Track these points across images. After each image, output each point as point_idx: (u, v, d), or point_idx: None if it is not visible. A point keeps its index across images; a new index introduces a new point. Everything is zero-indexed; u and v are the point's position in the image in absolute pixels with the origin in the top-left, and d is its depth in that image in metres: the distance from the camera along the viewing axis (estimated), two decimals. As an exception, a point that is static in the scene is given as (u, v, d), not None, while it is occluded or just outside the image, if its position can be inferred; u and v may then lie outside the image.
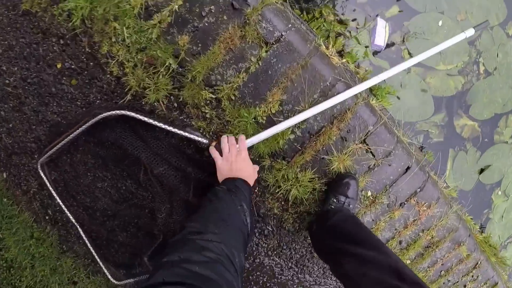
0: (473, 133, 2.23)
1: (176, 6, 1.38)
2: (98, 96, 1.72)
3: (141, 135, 1.47)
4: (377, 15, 1.66)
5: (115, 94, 1.66)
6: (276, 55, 1.39)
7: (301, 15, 1.52)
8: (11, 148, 2.05)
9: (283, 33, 1.37)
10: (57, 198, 1.71)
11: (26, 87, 1.98)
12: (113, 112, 1.38)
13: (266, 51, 1.37)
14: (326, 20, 1.52)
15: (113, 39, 1.52)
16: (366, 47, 1.73)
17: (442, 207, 1.82)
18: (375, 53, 1.72)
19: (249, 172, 1.25)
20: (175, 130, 1.37)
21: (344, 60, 1.43)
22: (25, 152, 2.02)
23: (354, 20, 1.64)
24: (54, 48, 1.81)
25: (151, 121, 1.35)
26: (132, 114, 1.36)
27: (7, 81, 2.03)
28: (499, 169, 2.39)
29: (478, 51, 1.99)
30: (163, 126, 1.35)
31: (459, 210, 1.95)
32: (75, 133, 1.49)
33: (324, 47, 1.41)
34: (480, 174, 2.38)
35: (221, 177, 1.23)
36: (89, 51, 1.63)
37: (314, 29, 1.51)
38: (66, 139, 1.54)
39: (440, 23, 1.83)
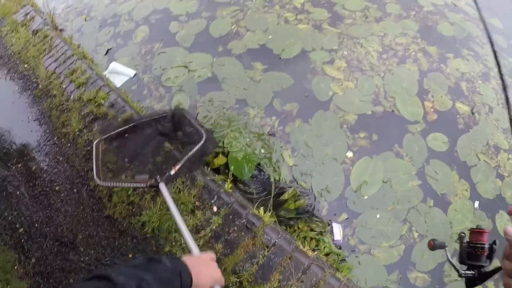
0: (425, 282, 2.96)
1: (214, 227, 2.41)
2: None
3: None
4: (330, 221, 2.70)
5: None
6: (274, 253, 2.36)
7: (286, 229, 2.56)
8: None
9: (276, 240, 2.38)
10: None
11: (99, 267, 2.81)
12: None
13: (268, 251, 2.35)
14: (302, 230, 2.56)
15: (173, 243, 2.50)
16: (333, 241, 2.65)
17: None
18: (336, 245, 2.68)
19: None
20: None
21: (315, 253, 2.41)
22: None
23: (320, 225, 2.64)
24: (128, 243, 2.75)
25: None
26: None
27: (82, 259, 2.86)
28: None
29: (410, 223, 2.94)
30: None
31: None
32: None
33: (301, 246, 2.41)
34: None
35: None
36: (155, 249, 2.59)
37: (295, 237, 2.52)
38: None
39: (378, 215, 2.86)
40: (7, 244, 2.92)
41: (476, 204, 3.02)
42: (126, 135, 3.02)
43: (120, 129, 2.92)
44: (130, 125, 2.96)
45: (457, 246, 1.19)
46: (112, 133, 2.92)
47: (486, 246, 1.01)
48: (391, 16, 4.18)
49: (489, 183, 3.13)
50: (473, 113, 3.51)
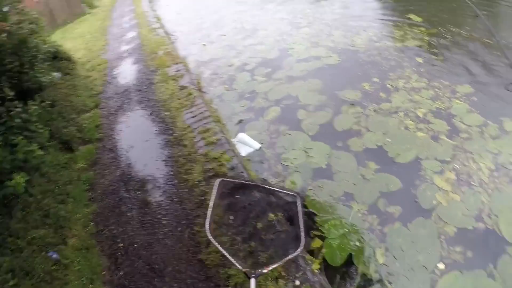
0: None
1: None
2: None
3: None
4: None
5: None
6: None
7: None
8: None
9: None
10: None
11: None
12: None
13: None
14: None
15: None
16: None
17: None
18: None
19: None
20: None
21: None
22: None
23: None
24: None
25: None
26: None
27: (164, 288, 2.91)
28: None
29: None
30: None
31: None
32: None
33: None
34: None
35: None
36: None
37: None
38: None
39: None
40: (104, 251, 3.29)
41: None
42: (239, 195, 3.29)
43: (241, 181, 3.25)
44: (251, 182, 3.27)
45: None
46: (233, 180, 3.27)
47: None
48: (509, 135, 4.12)
49: None
50: None
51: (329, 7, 8.46)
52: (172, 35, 7.53)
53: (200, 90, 5.22)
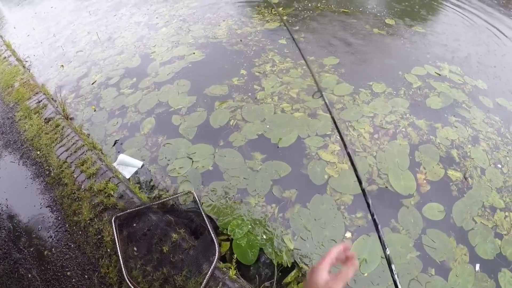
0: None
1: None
2: None
3: None
4: None
5: None
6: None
7: None
8: None
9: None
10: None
11: None
12: None
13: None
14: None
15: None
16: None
17: None
18: None
19: None
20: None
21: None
22: None
23: None
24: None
25: None
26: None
27: None
28: None
29: None
30: None
31: None
32: None
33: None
34: None
35: None
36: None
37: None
38: None
39: None
40: None
41: (477, 267, 3.11)
42: (136, 224, 3.37)
43: (134, 209, 3.29)
44: (143, 206, 3.35)
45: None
46: (127, 211, 3.31)
47: None
48: (380, 96, 4.71)
49: (488, 244, 3.23)
50: (465, 178, 3.72)
51: (183, 2, 8.39)
52: (26, 61, 6.72)
53: (67, 118, 4.87)
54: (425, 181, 3.67)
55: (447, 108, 4.62)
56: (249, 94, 4.87)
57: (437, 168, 3.81)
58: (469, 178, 3.73)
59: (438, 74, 5.35)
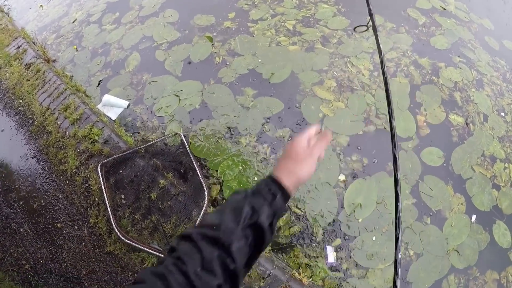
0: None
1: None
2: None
3: None
4: (326, 245, 2.73)
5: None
6: (269, 283, 2.41)
7: (282, 256, 2.59)
8: None
9: (271, 271, 2.42)
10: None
11: (103, 301, 2.88)
12: None
13: (263, 282, 2.40)
14: (297, 257, 2.58)
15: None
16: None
17: None
18: (331, 268, 2.70)
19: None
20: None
21: (310, 279, 2.45)
22: None
23: (316, 250, 2.65)
24: (130, 278, 2.81)
25: None
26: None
27: (86, 293, 2.93)
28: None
29: (406, 243, 2.85)
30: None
31: None
32: None
33: (297, 273, 2.45)
34: None
35: None
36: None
37: (290, 263, 2.56)
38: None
39: (374, 238, 2.79)
40: (14, 280, 3.03)
41: (474, 218, 3.00)
42: (123, 170, 3.12)
43: (120, 154, 3.09)
44: (130, 151, 3.10)
45: None
46: (113, 157, 3.13)
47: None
48: (380, 32, 4.15)
49: (485, 194, 3.12)
50: (467, 124, 3.48)
51: None
52: (5, 5, 6.24)
53: (48, 61, 4.49)
54: (425, 123, 3.42)
55: (451, 47, 4.14)
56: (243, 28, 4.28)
57: (438, 110, 3.51)
58: (470, 124, 3.48)
59: (443, 8, 4.67)
